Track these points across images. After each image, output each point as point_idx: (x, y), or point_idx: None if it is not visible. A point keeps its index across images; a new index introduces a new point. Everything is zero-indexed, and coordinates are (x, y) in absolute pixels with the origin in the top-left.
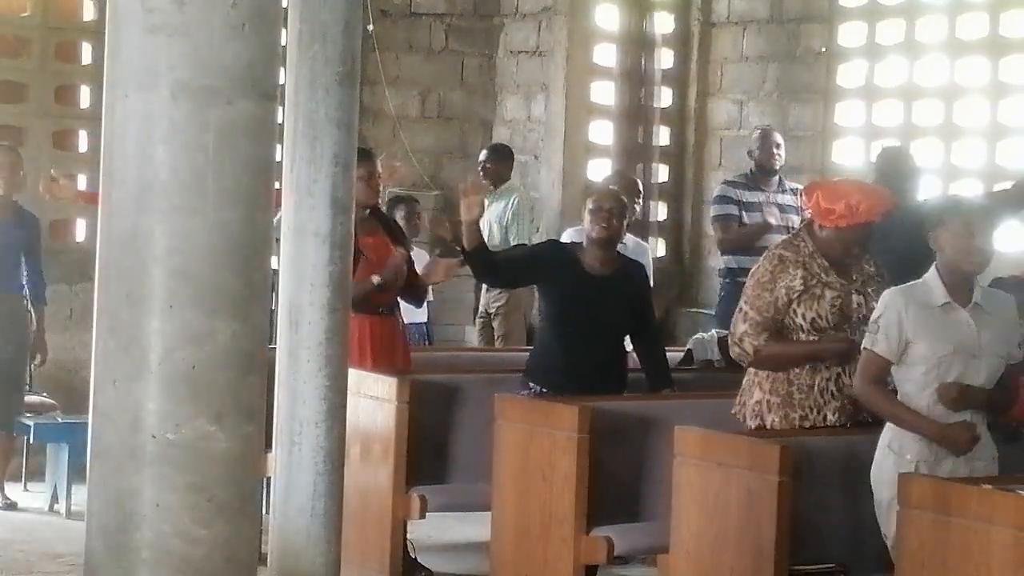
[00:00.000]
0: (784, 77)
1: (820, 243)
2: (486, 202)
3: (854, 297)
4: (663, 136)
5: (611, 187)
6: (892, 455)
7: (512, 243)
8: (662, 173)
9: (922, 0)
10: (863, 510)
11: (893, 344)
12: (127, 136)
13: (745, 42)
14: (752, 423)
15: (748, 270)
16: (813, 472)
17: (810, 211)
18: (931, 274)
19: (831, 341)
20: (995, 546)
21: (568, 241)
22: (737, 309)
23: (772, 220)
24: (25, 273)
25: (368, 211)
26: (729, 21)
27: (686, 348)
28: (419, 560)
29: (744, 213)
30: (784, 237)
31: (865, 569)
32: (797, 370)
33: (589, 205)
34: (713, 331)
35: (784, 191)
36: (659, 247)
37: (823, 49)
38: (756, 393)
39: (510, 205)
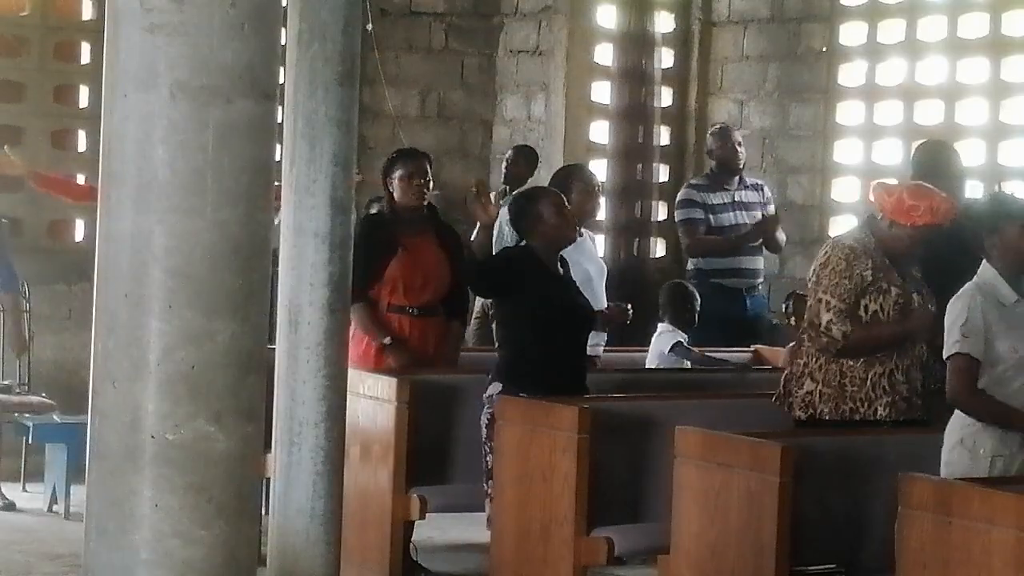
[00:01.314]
0: (785, 76)
1: (886, 240)
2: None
3: (914, 296)
4: (663, 136)
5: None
6: (966, 452)
7: None
8: (662, 173)
9: (923, 0)
10: (864, 511)
11: (980, 344)
12: (126, 136)
13: (746, 41)
14: (802, 414)
15: (721, 270)
16: (813, 472)
17: (883, 206)
18: (991, 273)
19: (916, 318)
20: (996, 547)
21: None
22: (815, 301)
23: (742, 228)
24: None
25: (422, 213)
26: (730, 20)
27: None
28: (419, 561)
29: (710, 216)
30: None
31: (866, 570)
32: (851, 363)
33: (551, 208)
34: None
35: (746, 187)
36: (659, 247)
37: (824, 48)
38: (807, 384)
39: None
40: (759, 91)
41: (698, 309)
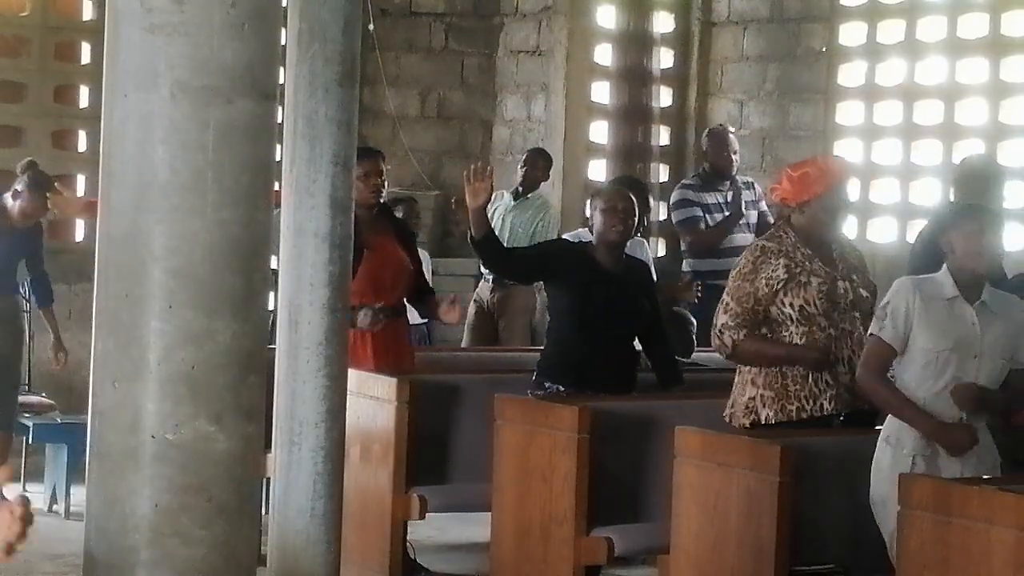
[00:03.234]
0: (785, 77)
1: (801, 231)
2: (511, 202)
3: (840, 284)
4: (663, 136)
5: (620, 187)
6: (889, 448)
7: None
8: (662, 173)
9: (923, 0)
10: (863, 510)
11: (900, 332)
12: (127, 136)
13: (746, 42)
14: (745, 420)
15: (714, 272)
16: (813, 472)
17: (784, 197)
18: (942, 271)
19: (808, 349)
20: (996, 546)
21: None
22: (720, 301)
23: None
24: (28, 274)
25: (377, 211)
26: (729, 21)
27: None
28: (419, 561)
29: (706, 216)
30: (745, 233)
31: (865, 569)
32: None
33: (601, 205)
34: None
35: (737, 187)
36: (659, 247)
37: (824, 49)
38: (749, 390)
39: (543, 220)
40: (759, 91)
41: (694, 334)
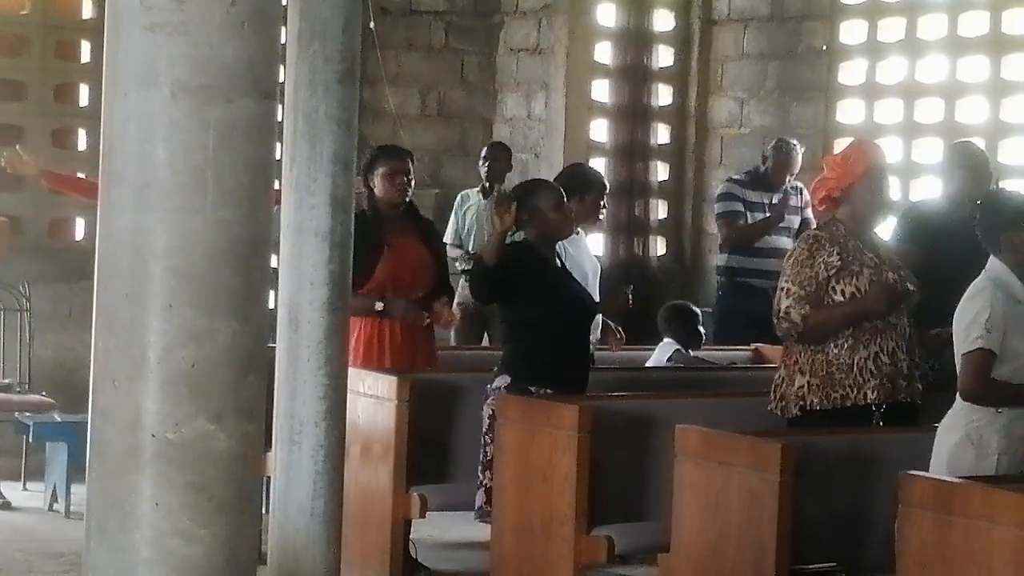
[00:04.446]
0: (785, 75)
1: (849, 222)
2: (481, 200)
3: (889, 275)
4: (663, 134)
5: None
6: (972, 448)
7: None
8: (662, 171)
9: None
10: (865, 509)
11: (998, 339)
12: (127, 135)
13: (746, 40)
14: (797, 410)
15: (749, 270)
16: (815, 471)
17: (829, 188)
18: (1003, 270)
19: (869, 295)
20: (997, 545)
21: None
22: (776, 290)
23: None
24: None
25: (403, 210)
26: (730, 19)
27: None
28: (419, 559)
29: (748, 213)
30: (785, 237)
31: (867, 569)
32: (836, 350)
33: (550, 202)
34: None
35: (785, 191)
36: (659, 246)
37: (824, 47)
38: (798, 379)
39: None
40: (759, 90)
41: (700, 327)
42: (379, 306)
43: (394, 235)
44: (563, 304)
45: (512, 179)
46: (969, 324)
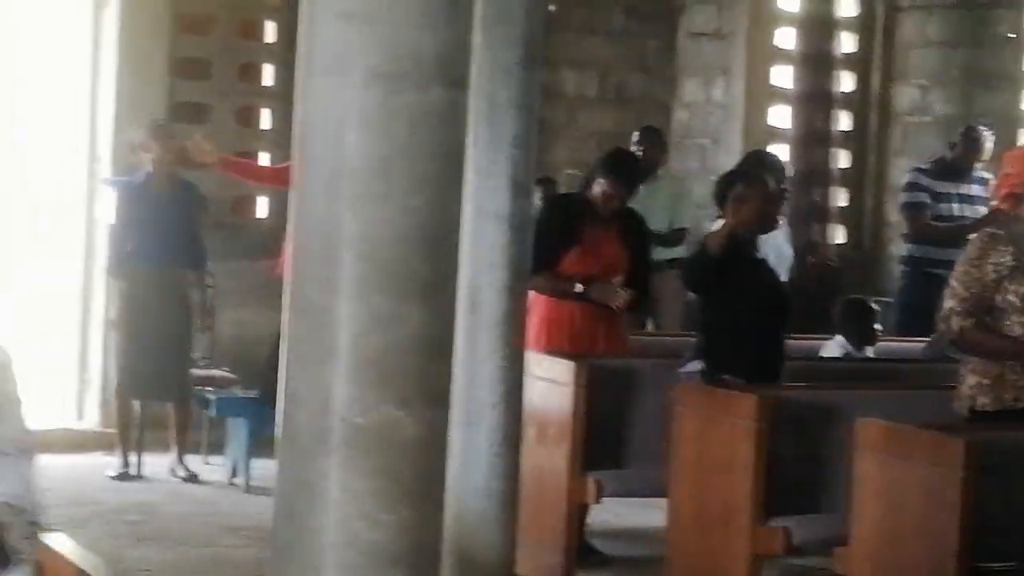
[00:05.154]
0: (970, 63)
1: None
2: (641, 188)
3: None
4: (844, 121)
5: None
6: None
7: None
8: (843, 159)
9: None
10: None
11: None
12: (320, 122)
13: (931, 27)
14: (965, 409)
15: (934, 260)
16: (999, 467)
17: (1013, 184)
18: None
19: None
20: None
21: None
22: (947, 286)
23: (967, 222)
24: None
25: (618, 211)
26: (915, 5)
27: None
28: (594, 545)
29: (934, 203)
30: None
31: None
32: None
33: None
34: None
35: (973, 181)
36: (839, 234)
37: (1012, 35)
38: (970, 378)
39: (678, 196)
40: (944, 77)
41: (877, 326)
42: (579, 288)
43: (591, 229)
44: (764, 295)
45: (669, 164)
46: None
